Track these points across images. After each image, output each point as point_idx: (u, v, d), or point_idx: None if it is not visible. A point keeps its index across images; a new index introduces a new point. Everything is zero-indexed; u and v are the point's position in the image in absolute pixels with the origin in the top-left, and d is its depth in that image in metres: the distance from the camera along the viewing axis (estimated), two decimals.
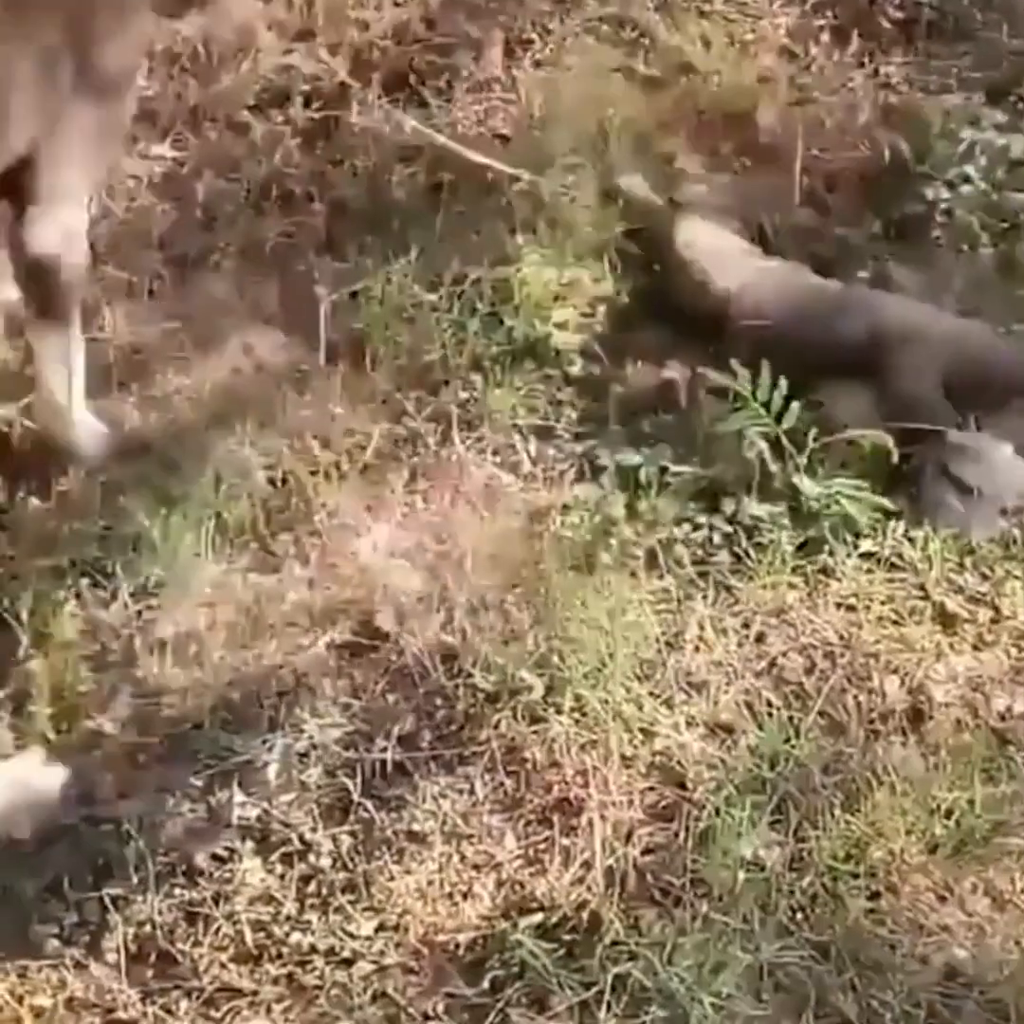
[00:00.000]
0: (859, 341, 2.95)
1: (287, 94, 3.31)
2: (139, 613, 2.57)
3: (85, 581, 2.59)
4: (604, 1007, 2.19)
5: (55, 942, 2.31)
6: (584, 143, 3.26)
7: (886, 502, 2.73)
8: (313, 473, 2.74)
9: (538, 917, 2.29)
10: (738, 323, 2.96)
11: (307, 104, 3.31)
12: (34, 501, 2.69)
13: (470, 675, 2.51)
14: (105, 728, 2.48)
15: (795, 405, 2.79)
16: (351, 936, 2.29)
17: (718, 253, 3.08)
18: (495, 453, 2.86)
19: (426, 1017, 2.22)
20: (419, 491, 2.77)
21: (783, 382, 2.79)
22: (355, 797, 2.41)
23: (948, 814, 2.40)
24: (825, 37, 3.63)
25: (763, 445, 2.73)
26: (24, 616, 2.52)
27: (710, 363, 2.87)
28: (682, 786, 2.42)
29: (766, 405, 2.77)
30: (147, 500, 2.67)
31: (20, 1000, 2.26)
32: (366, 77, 3.35)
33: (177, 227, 3.15)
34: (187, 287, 3.07)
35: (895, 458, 2.78)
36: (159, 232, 3.14)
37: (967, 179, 3.38)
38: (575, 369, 2.98)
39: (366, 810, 2.40)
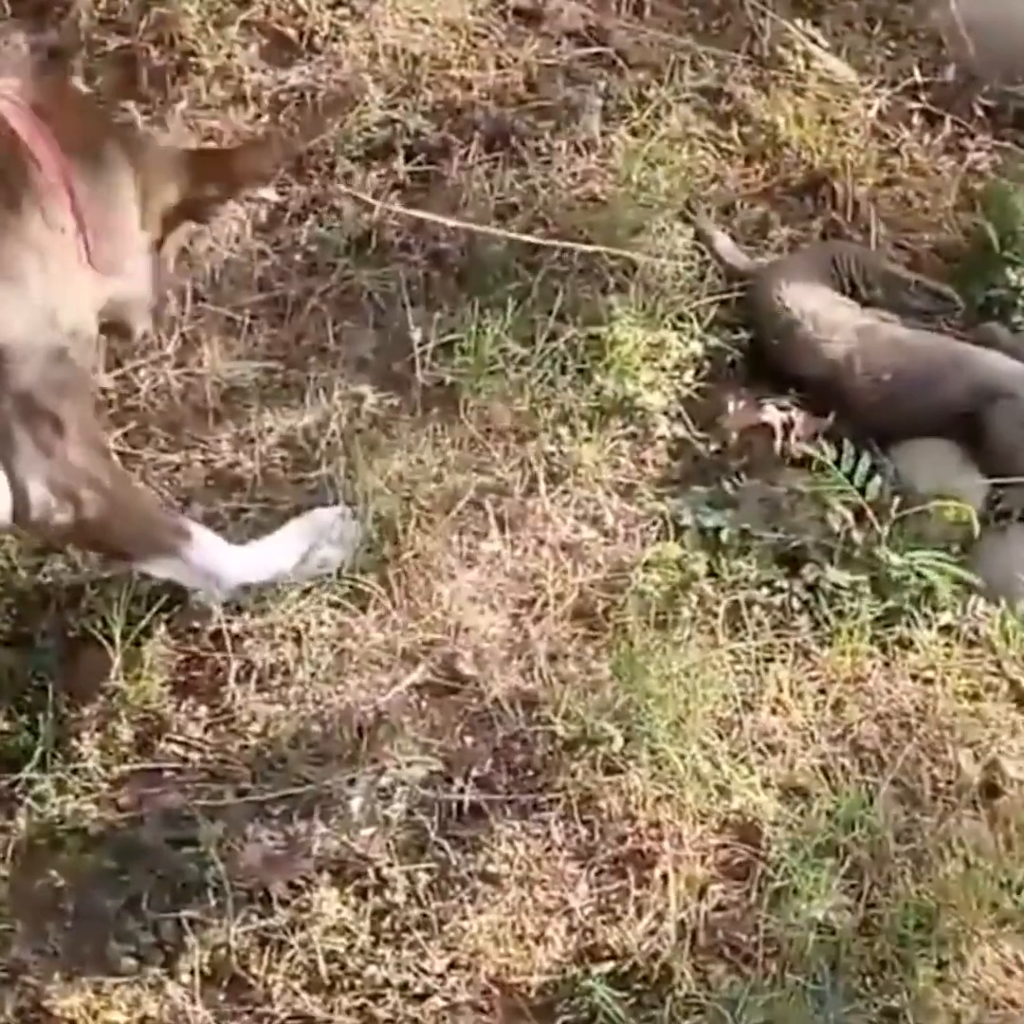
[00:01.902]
0: (963, 397, 3.01)
1: (390, 147, 3.38)
2: (228, 641, 2.62)
3: (177, 607, 2.64)
4: None
5: (131, 961, 2.36)
6: (676, 209, 3.33)
7: (969, 575, 2.77)
8: (403, 517, 2.78)
9: (609, 965, 2.32)
10: (851, 389, 3.03)
11: (409, 158, 3.38)
12: None
13: (549, 722, 2.54)
14: (190, 753, 2.53)
15: (878, 478, 2.85)
16: (424, 972, 2.33)
17: (824, 315, 3.13)
18: (579, 507, 2.91)
19: None
20: (505, 539, 2.82)
21: (867, 456, 2.87)
22: (432, 836, 2.44)
23: (1019, 890, 2.43)
24: (916, 120, 3.69)
25: (849, 515, 2.77)
26: (117, 637, 2.57)
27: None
28: (756, 845, 2.45)
29: (850, 474, 2.83)
30: (241, 532, 2.72)
31: (95, 1016, 2.31)
32: (467, 135, 3.42)
33: (276, 270, 3.21)
34: (283, 329, 3.13)
35: (977, 531, 2.82)
36: (259, 274, 3.21)
37: None
38: (661, 429, 3.03)
39: (442, 849, 2.43)
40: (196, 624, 2.63)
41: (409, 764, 2.47)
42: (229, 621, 2.61)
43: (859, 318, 3.18)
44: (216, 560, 2.57)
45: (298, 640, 2.62)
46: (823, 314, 3.14)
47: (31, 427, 2.30)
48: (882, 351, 3.10)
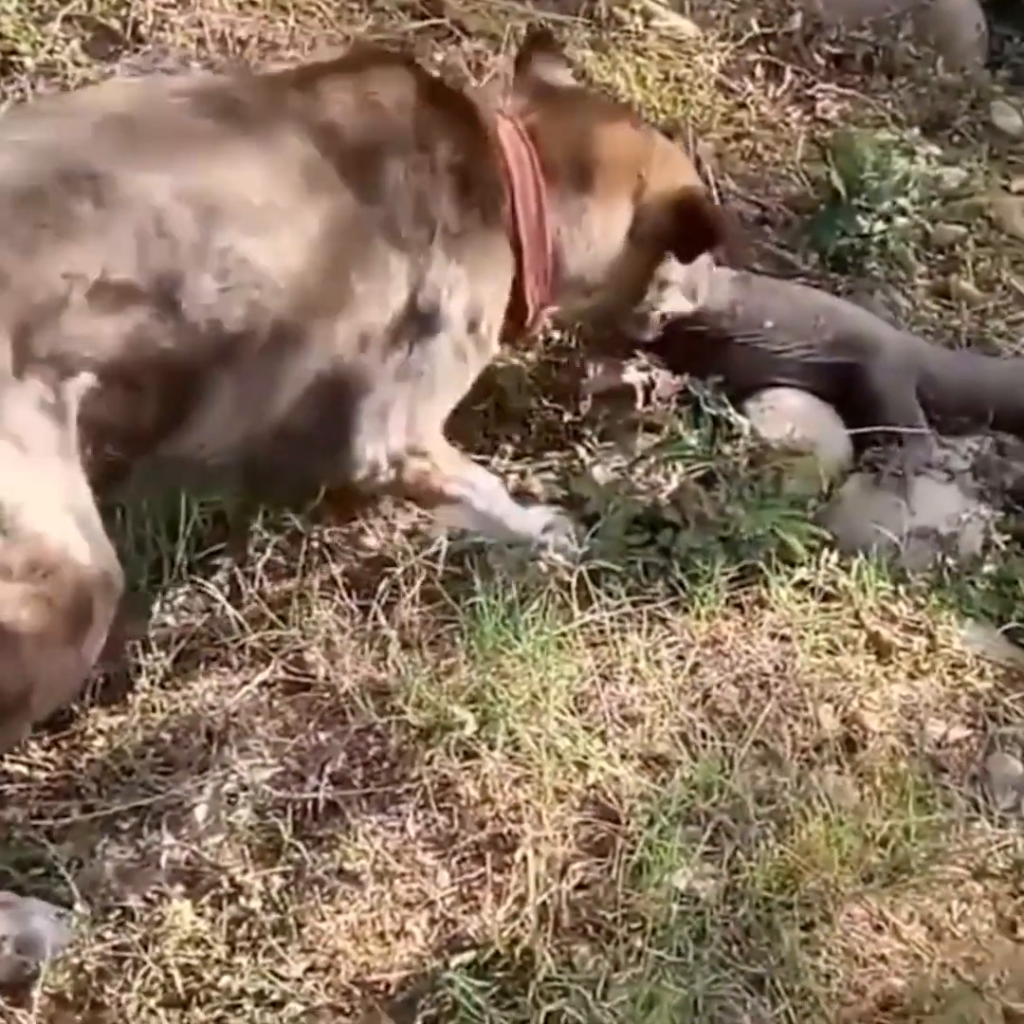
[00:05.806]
0: (832, 349, 3.00)
1: None
2: None
3: None
4: None
5: None
6: None
7: (821, 530, 2.74)
8: (245, 510, 2.72)
9: (471, 955, 2.26)
10: (733, 341, 2.98)
11: None
12: None
13: (402, 712, 2.48)
14: (34, 772, 2.45)
15: (731, 437, 2.82)
16: (281, 978, 2.26)
17: (696, 273, 3.07)
18: None
19: None
20: (352, 528, 2.76)
21: (720, 414, 2.84)
22: (286, 837, 2.38)
23: (883, 843, 2.40)
24: (759, 72, 3.66)
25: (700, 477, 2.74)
26: None
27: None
28: (616, 820, 2.40)
29: (703, 435, 2.80)
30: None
31: None
32: None
33: None
34: None
35: (830, 485, 2.79)
36: None
37: (902, 211, 3.40)
38: (512, 402, 2.98)
39: (297, 850, 2.37)
40: None
41: (251, 767, 2.40)
42: None
43: (729, 270, 3.13)
44: (496, 507, 2.74)
45: (142, 645, 2.55)
46: (693, 271, 3.07)
47: (374, 404, 2.52)
48: (761, 299, 3.06)
